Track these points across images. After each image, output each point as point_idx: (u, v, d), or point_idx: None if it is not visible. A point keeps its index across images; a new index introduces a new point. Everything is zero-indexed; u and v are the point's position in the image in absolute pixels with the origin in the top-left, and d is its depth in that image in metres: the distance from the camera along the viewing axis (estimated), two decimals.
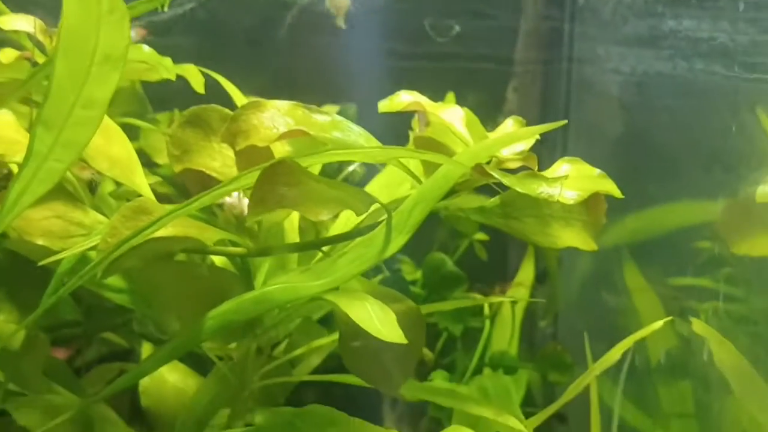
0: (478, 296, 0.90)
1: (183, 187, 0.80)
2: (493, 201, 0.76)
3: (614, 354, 0.79)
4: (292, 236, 0.78)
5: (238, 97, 0.92)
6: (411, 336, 0.66)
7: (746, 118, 0.86)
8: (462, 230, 0.94)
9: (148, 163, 0.81)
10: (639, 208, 0.92)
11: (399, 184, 0.83)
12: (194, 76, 0.89)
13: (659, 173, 0.92)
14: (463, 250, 0.95)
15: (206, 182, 0.74)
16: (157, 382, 0.80)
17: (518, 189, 0.69)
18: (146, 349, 0.84)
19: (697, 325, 0.79)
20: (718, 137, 0.86)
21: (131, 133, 0.79)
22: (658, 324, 0.76)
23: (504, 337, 0.92)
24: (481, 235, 0.96)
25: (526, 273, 0.96)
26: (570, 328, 1.00)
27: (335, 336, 0.82)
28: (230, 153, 0.75)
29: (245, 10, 1.15)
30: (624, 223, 0.92)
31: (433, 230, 0.98)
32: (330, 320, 0.90)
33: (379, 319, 0.63)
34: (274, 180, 0.65)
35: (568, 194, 0.72)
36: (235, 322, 0.70)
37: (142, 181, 0.75)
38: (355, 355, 0.70)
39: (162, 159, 0.88)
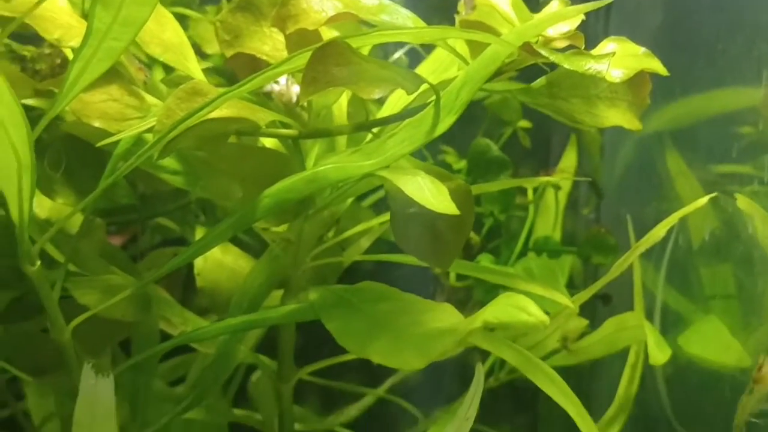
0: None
1: (232, 75, 0.81)
2: (540, 81, 0.76)
3: (658, 231, 0.79)
4: (341, 121, 0.79)
5: None
6: (462, 211, 0.68)
7: None
8: (506, 118, 0.95)
9: (197, 53, 0.82)
10: (681, 95, 0.92)
11: (445, 69, 0.83)
12: None
13: (701, 59, 0.91)
14: (506, 138, 0.96)
15: (256, 67, 0.74)
16: (211, 264, 0.81)
17: (566, 65, 0.69)
18: (199, 235, 0.85)
19: (742, 201, 0.79)
20: (763, 13, 0.86)
21: (180, 23, 0.80)
22: (703, 200, 0.76)
23: (548, 223, 0.93)
24: (524, 123, 0.97)
25: (569, 160, 0.96)
26: (612, 216, 1.00)
27: (384, 218, 0.84)
28: (280, 37, 0.75)
29: None
30: (666, 110, 0.92)
31: (476, 122, 0.99)
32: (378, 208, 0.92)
33: (431, 192, 0.64)
34: (326, 60, 0.65)
35: (614, 73, 0.73)
36: (288, 201, 0.71)
37: (194, 66, 0.76)
38: (406, 232, 0.70)
39: (211, 48, 0.89)
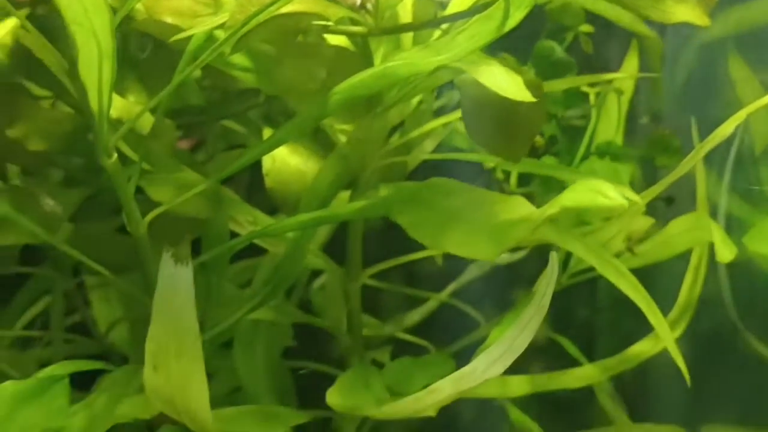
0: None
1: None
2: None
3: (724, 129, 0.78)
4: (406, 20, 0.79)
5: None
6: (533, 104, 0.68)
7: None
8: (567, 23, 0.94)
9: None
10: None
11: None
12: None
13: None
14: (568, 43, 0.95)
15: None
16: (279, 165, 0.82)
17: None
18: (267, 135, 0.86)
19: None
20: None
21: None
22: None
23: (610, 127, 0.93)
24: (586, 27, 0.96)
25: (630, 66, 0.96)
26: (672, 124, 1.00)
27: (448, 119, 0.85)
28: None
29: None
30: (729, 13, 0.91)
31: (536, 29, 0.98)
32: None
33: (507, 81, 0.64)
34: None
35: None
36: (358, 98, 0.72)
37: None
38: (479, 124, 0.72)
39: None
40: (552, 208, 0.65)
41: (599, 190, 0.64)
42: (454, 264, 1.00)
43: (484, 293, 0.99)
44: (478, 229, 0.67)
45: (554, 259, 0.68)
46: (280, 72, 0.74)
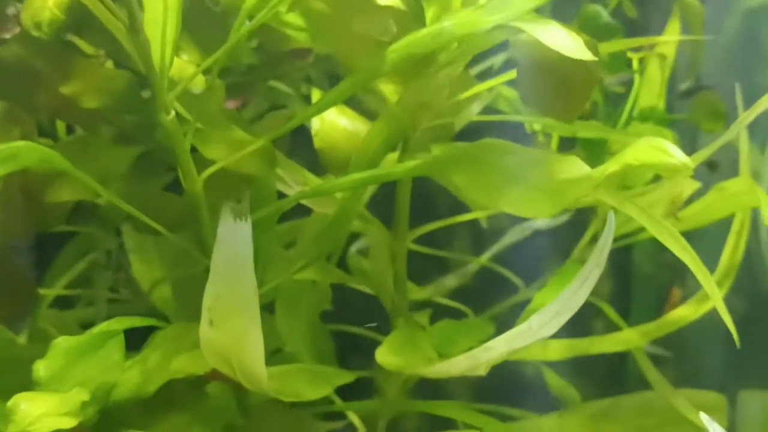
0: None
1: None
2: None
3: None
4: None
5: None
6: (590, 64, 0.69)
7: None
8: None
9: None
10: None
11: None
12: None
13: None
14: (613, 8, 0.96)
15: None
16: (328, 126, 0.82)
17: None
18: (316, 96, 0.86)
19: None
20: None
21: None
22: None
23: (652, 93, 0.93)
24: None
25: (672, 32, 0.96)
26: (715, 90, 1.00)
27: (494, 82, 0.85)
28: None
29: None
30: None
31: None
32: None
33: (567, 39, 0.65)
34: None
35: None
36: (414, 56, 0.72)
37: None
38: (534, 84, 0.72)
39: None
40: (614, 165, 0.66)
41: (663, 149, 0.65)
42: (494, 229, 1.00)
43: (522, 259, 0.99)
44: (537, 188, 0.68)
45: (612, 217, 0.69)
46: (333, 31, 0.74)
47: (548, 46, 0.66)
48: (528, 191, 0.68)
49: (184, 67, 0.76)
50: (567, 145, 0.92)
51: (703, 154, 0.81)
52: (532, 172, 0.69)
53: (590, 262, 0.69)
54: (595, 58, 0.65)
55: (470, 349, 0.73)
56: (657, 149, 0.65)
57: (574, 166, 0.68)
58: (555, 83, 0.71)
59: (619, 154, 0.66)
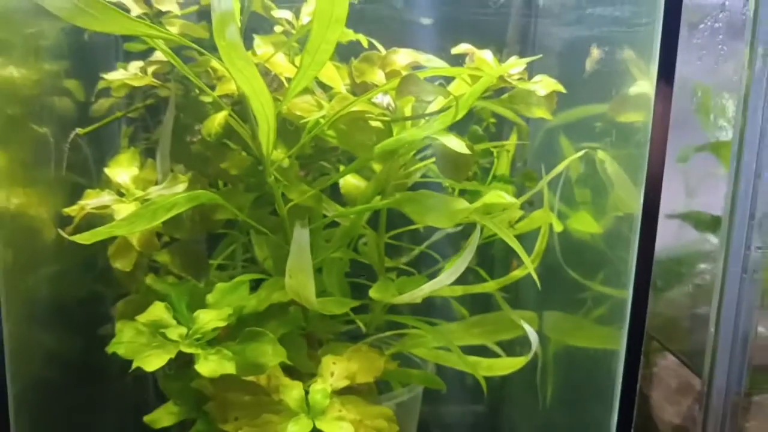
0: None
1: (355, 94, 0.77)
2: (505, 96, 0.75)
3: (556, 171, 0.78)
4: (408, 114, 0.76)
5: None
6: (469, 154, 0.69)
7: None
8: (485, 118, 0.91)
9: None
10: (569, 107, 0.85)
11: (459, 88, 0.78)
12: None
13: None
14: (484, 126, 0.91)
15: (369, 89, 0.74)
16: (349, 182, 0.80)
17: (520, 86, 0.71)
18: (341, 169, 0.83)
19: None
20: None
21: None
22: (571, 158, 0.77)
23: (503, 167, 0.89)
24: (491, 119, 0.92)
25: (513, 138, 0.92)
26: (532, 167, 0.96)
27: (426, 162, 0.82)
28: (382, 74, 0.76)
29: None
30: (560, 113, 0.85)
31: (468, 123, 0.93)
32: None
33: (456, 143, 0.66)
34: (407, 82, 0.65)
35: (540, 91, 0.73)
36: (387, 151, 0.71)
37: (340, 87, 0.75)
38: (443, 163, 0.71)
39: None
40: (478, 203, 0.68)
41: (501, 195, 0.68)
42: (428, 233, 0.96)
43: (440, 248, 0.95)
44: (444, 213, 0.69)
45: (478, 230, 0.71)
46: (349, 138, 0.74)
47: (449, 146, 0.68)
48: (440, 214, 0.69)
49: (278, 155, 0.74)
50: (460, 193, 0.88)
51: (525, 197, 0.81)
52: (441, 205, 0.70)
53: (467, 250, 0.70)
54: (470, 152, 0.66)
55: (414, 289, 0.73)
56: (499, 196, 0.67)
57: (461, 203, 0.69)
58: (452, 163, 0.71)
59: (480, 198, 0.67)
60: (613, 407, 0.71)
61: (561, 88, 0.74)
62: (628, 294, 0.68)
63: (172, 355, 0.66)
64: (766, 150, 0.63)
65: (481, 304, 0.94)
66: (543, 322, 0.92)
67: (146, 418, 0.73)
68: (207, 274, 0.79)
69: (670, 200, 0.83)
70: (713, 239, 0.73)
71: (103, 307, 0.80)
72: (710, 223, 0.75)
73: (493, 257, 1.01)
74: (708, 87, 0.75)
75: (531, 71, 0.79)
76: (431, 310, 0.91)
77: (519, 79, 0.74)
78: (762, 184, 0.63)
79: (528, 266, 0.73)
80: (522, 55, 0.85)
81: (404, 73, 0.73)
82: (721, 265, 0.66)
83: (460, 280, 0.75)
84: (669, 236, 0.82)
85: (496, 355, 0.86)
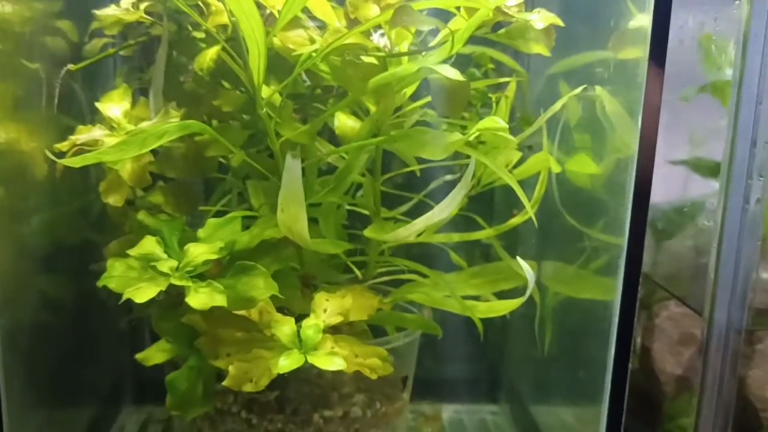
0: None
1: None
2: (502, 30, 0.73)
3: (551, 112, 0.74)
4: (404, 49, 0.74)
5: None
6: (465, 85, 0.68)
7: None
8: (481, 62, 0.90)
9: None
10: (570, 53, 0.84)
11: (456, 23, 0.73)
12: None
13: None
14: (483, 70, 0.91)
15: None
16: (343, 120, 0.79)
17: (519, 17, 0.69)
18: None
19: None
20: None
21: None
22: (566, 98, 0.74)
23: (502, 113, 0.84)
24: (490, 64, 0.91)
25: (512, 84, 0.86)
26: (533, 112, 0.93)
27: (422, 102, 0.81)
28: (377, 7, 0.71)
29: None
30: (560, 61, 0.85)
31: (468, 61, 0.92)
32: None
33: (453, 72, 0.63)
34: (401, 12, 0.64)
35: (538, 24, 0.70)
36: (382, 86, 0.69)
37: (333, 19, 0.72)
38: (438, 96, 0.69)
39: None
40: (472, 133, 0.66)
41: (495, 120, 0.65)
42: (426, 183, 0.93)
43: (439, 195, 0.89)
44: (437, 145, 0.67)
45: (471, 166, 0.67)
46: (344, 73, 0.72)
47: (445, 76, 0.65)
48: (434, 147, 0.67)
49: (270, 91, 0.73)
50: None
51: (523, 137, 0.78)
52: (435, 139, 0.68)
53: (458, 189, 0.68)
54: (464, 80, 0.64)
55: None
56: (494, 121, 0.65)
57: (454, 136, 0.67)
58: (449, 96, 0.69)
59: (482, 122, 0.64)
60: (609, 348, 0.70)
61: (559, 22, 0.71)
62: (624, 240, 0.67)
63: (163, 288, 0.66)
64: (765, 81, 0.61)
65: (481, 259, 0.94)
66: (541, 271, 0.91)
67: (138, 356, 0.72)
68: (200, 215, 0.78)
69: (676, 148, 0.83)
70: (716, 185, 0.72)
71: (96, 255, 0.80)
72: (714, 169, 0.74)
73: (493, 209, 1.00)
74: (710, 33, 0.75)
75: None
76: (430, 261, 0.89)
77: (517, 12, 0.70)
78: (763, 110, 0.61)
79: (527, 208, 0.71)
80: None
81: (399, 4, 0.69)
82: (722, 197, 0.64)
83: (460, 230, 0.74)
84: (677, 185, 0.83)
85: None
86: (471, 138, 0.66)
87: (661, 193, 0.84)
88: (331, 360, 0.67)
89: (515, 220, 0.83)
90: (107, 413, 1.00)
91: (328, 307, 0.72)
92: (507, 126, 0.63)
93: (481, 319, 0.79)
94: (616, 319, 0.69)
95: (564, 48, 0.79)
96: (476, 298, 0.83)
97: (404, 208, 0.91)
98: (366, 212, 0.85)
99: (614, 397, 0.68)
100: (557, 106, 0.76)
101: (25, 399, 0.70)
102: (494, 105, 0.87)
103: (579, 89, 0.76)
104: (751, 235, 0.64)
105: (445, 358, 1.09)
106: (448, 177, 0.92)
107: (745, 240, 0.63)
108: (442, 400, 1.09)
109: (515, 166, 0.83)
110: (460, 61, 0.85)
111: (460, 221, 0.89)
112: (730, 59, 0.69)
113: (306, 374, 0.74)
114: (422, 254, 0.93)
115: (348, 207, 0.86)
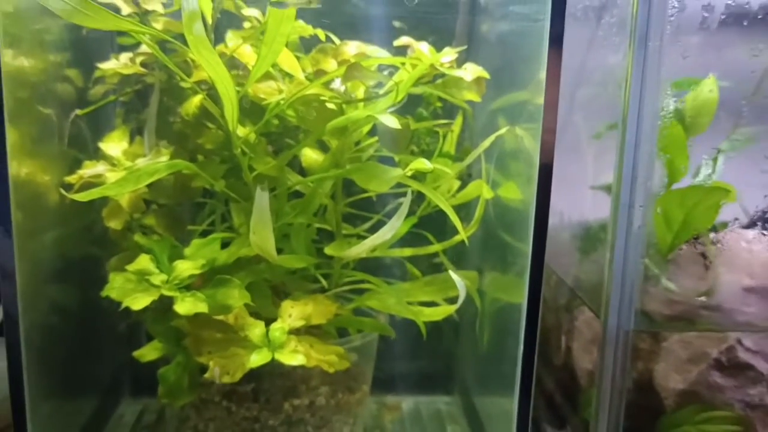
0: None
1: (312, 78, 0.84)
2: (439, 82, 0.83)
3: (485, 144, 0.83)
4: (359, 96, 0.84)
5: None
6: (403, 127, 0.79)
7: None
8: (432, 101, 0.97)
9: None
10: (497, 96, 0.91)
11: (399, 75, 0.84)
12: None
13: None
14: (431, 110, 0.97)
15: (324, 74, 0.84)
16: (308, 154, 0.88)
17: (450, 73, 0.80)
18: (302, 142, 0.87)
19: None
20: None
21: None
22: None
23: (448, 146, 0.94)
24: (437, 102, 0.97)
25: (459, 120, 0.95)
26: (473, 144, 0.98)
27: (374, 139, 0.90)
28: (335, 62, 0.83)
29: None
30: (500, 99, 0.91)
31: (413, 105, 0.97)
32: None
33: (392, 120, 0.74)
34: (353, 69, 0.74)
35: (467, 76, 0.81)
36: (339, 128, 0.78)
37: (300, 74, 0.82)
38: (384, 137, 0.80)
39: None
40: (412, 168, 0.74)
41: (423, 162, 0.74)
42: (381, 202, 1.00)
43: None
44: (382, 179, 0.76)
45: (409, 196, 0.76)
46: (306, 118, 0.81)
47: (387, 123, 0.74)
48: (379, 180, 0.76)
49: (245, 131, 0.81)
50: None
51: (461, 166, 0.87)
52: (381, 173, 0.77)
53: (399, 213, 0.77)
54: (403, 128, 0.74)
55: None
56: (422, 163, 0.74)
57: (397, 171, 0.76)
58: (391, 137, 0.80)
59: (413, 163, 0.74)
60: (519, 341, 0.80)
61: (486, 75, 0.81)
62: (529, 247, 0.76)
63: (155, 297, 0.76)
64: (642, 125, 0.72)
65: (438, 269, 1.00)
66: (483, 279, 1.00)
67: (135, 353, 0.84)
68: (187, 235, 0.86)
69: (603, 173, 0.93)
70: None
71: (99, 268, 0.89)
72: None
73: (447, 225, 1.05)
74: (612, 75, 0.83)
75: (475, 62, 0.85)
76: (393, 272, 0.97)
77: (449, 67, 0.80)
78: (640, 155, 0.73)
79: (460, 231, 0.79)
80: (469, 47, 0.92)
81: (353, 61, 0.79)
82: (612, 222, 0.76)
83: (415, 246, 0.85)
84: (596, 207, 0.93)
85: None
86: (410, 173, 0.77)
87: (589, 212, 0.97)
88: (294, 356, 0.78)
89: (456, 238, 0.92)
90: (108, 404, 1.08)
91: (293, 313, 0.83)
92: (432, 167, 0.73)
93: (437, 322, 0.88)
94: (524, 312, 0.78)
95: (504, 86, 0.86)
96: (435, 303, 0.92)
97: (367, 225, 1.02)
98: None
99: (523, 388, 0.78)
100: (487, 143, 0.86)
101: (40, 390, 0.78)
102: (441, 139, 0.96)
103: (502, 131, 0.86)
104: (635, 253, 0.75)
105: (407, 356, 1.17)
106: (401, 199, 1.01)
107: (630, 257, 0.75)
108: (403, 393, 1.18)
109: (458, 191, 0.93)
110: (413, 100, 0.95)
111: (415, 238, 0.98)
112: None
113: (278, 369, 0.81)
114: (388, 265, 1.01)
115: (317, 225, 0.92)
